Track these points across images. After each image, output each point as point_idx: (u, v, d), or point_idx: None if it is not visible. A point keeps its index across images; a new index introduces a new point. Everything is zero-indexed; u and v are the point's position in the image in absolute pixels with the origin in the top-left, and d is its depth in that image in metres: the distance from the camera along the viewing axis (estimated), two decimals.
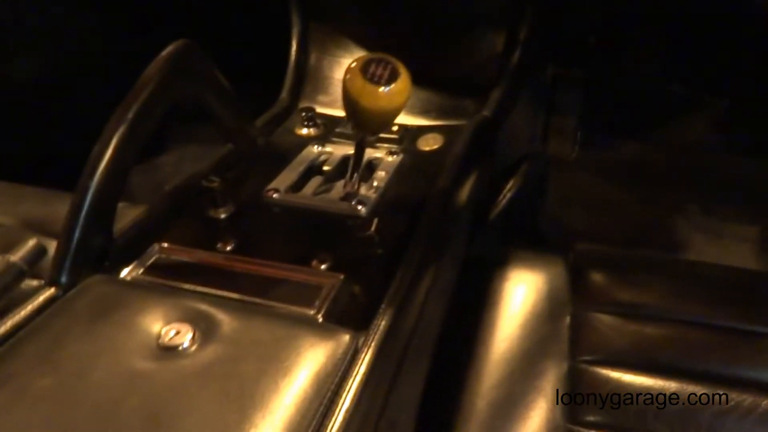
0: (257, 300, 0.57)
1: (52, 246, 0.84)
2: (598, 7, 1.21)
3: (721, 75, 1.39)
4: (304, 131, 0.98)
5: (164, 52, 0.73)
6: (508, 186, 0.93)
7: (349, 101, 0.58)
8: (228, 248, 0.69)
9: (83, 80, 1.46)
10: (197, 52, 0.76)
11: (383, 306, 0.54)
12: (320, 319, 0.55)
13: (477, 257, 0.85)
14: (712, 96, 1.42)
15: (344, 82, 0.57)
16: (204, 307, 0.53)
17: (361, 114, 0.58)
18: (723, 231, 1.38)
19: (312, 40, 1.09)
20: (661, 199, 1.49)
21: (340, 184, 0.81)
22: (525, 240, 1.12)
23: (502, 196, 0.88)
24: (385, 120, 0.61)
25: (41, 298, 0.57)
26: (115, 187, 0.64)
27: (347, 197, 0.77)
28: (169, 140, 1.71)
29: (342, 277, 0.59)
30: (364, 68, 0.56)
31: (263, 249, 0.69)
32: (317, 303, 0.57)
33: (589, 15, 1.24)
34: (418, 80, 1.06)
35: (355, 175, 0.74)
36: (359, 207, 0.75)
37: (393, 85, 0.56)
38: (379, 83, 0.56)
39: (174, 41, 0.75)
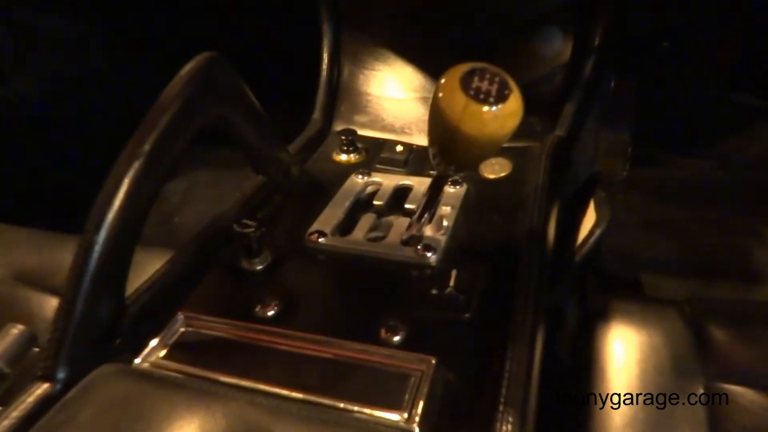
0: (322, 400, 0.42)
1: (47, 305, 0.70)
2: (667, 7, 1.08)
3: None
4: (344, 157, 0.84)
5: (187, 67, 0.59)
6: (593, 220, 0.79)
7: (442, 126, 0.43)
8: (270, 312, 0.54)
9: (83, 102, 1.33)
10: (225, 66, 0.62)
11: (502, 408, 0.39)
12: (416, 430, 0.40)
13: (556, 308, 0.70)
14: None
15: (437, 100, 0.43)
16: (255, 415, 0.38)
17: (461, 143, 0.43)
18: None
19: (345, 52, 0.95)
20: (726, 220, 1.34)
21: (398, 222, 0.67)
22: (604, 282, 0.97)
23: (589, 233, 0.74)
24: (488, 151, 0.47)
25: (31, 398, 0.42)
26: (129, 241, 0.50)
27: (410, 241, 0.63)
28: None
29: (433, 362, 0.44)
30: (465, 81, 0.42)
31: (314, 314, 0.54)
32: (406, 402, 0.42)
33: (655, 16, 1.11)
34: None
35: (425, 216, 0.59)
36: (428, 254, 0.60)
37: (505, 104, 0.42)
38: (486, 101, 0.41)
39: (193, 56, 0.61)
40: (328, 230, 0.65)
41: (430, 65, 0.91)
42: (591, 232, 0.74)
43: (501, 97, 0.42)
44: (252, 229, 0.59)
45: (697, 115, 1.38)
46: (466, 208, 0.69)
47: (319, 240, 0.64)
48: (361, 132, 0.89)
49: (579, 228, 0.83)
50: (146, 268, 0.60)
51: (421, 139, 0.89)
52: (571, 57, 0.86)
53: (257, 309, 0.54)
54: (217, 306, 0.54)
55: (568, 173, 0.84)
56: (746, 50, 1.23)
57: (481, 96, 0.42)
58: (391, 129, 0.90)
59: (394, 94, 0.92)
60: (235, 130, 0.66)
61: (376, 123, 0.91)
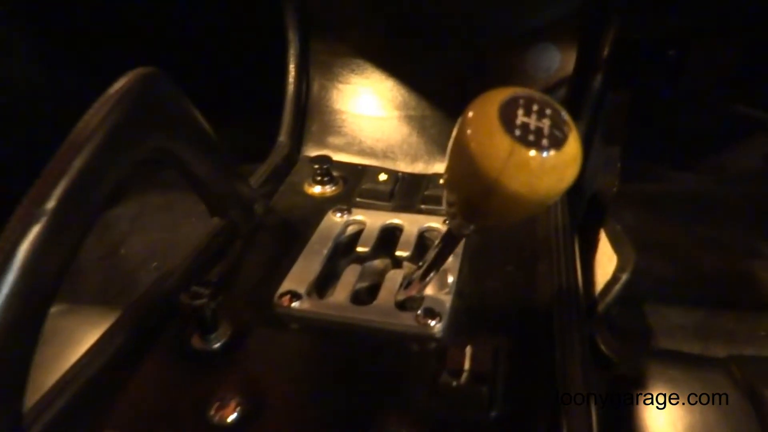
0: None
1: None
2: (669, 16, 0.99)
3: None
4: (317, 189, 0.71)
5: (113, 89, 0.45)
6: (611, 259, 0.68)
7: (472, 176, 0.30)
8: (230, 417, 0.40)
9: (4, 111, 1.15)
10: (165, 85, 0.48)
11: None
12: None
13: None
14: None
15: (465, 140, 0.30)
16: None
17: (499, 201, 0.30)
18: None
19: (315, 63, 0.82)
20: (725, 239, 1.25)
21: (389, 276, 0.54)
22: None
23: (613, 279, 0.63)
24: (535, 212, 0.34)
25: None
26: (27, 340, 0.35)
27: (407, 303, 0.50)
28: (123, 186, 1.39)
29: None
30: (506, 115, 0.29)
31: (287, 417, 0.41)
32: None
33: (658, 24, 1.02)
34: None
35: (430, 275, 0.46)
36: (431, 322, 0.48)
37: (563, 148, 0.29)
38: (538, 145, 0.29)
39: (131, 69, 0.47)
40: (302, 290, 0.52)
41: (415, 78, 0.78)
42: (615, 278, 0.62)
43: (558, 139, 0.29)
44: (204, 300, 0.45)
45: (690, 127, 1.30)
46: (472, 257, 0.56)
47: (293, 304, 0.50)
48: (337, 157, 0.76)
49: (594, 269, 0.72)
50: (61, 354, 0.46)
51: (407, 165, 0.76)
52: (575, 71, 0.75)
53: (212, 412, 0.40)
54: (157, 414, 0.40)
55: (578, 202, 0.73)
56: (747, 60, 1.16)
57: (531, 137, 0.29)
58: (371, 153, 0.77)
59: (374, 112, 0.79)
60: (181, 164, 0.52)
61: (354, 146, 0.78)
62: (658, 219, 1.34)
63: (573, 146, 0.30)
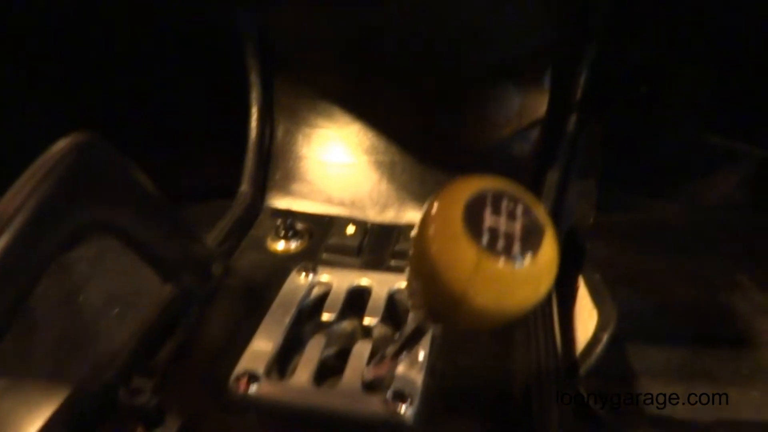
0: None
1: None
2: (640, 48, 0.97)
3: (764, 122, 1.19)
4: (281, 245, 0.66)
5: (46, 156, 0.40)
6: (592, 315, 0.64)
7: (436, 288, 0.26)
8: None
9: None
10: (103, 151, 0.44)
11: None
12: None
13: None
14: (751, 146, 1.21)
15: (427, 243, 0.26)
16: None
17: (467, 316, 0.26)
18: None
19: (279, 106, 0.78)
20: (703, 270, 1.24)
21: (357, 349, 0.50)
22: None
23: (594, 339, 0.60)
24: (507, 322, 0.30)
25: None
26: None
27: (374, 383, 0.46)
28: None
29: None
30: (472, 217, 0.25)
31: None
32: None
33: (630, 60, 1.00)
34: (435, 161, 0.78)
35: (401, 355, 0.42)
36: (401, 407, 0.43)
37: (538, 254, 0.26)
38: (508, 253, 0.25)
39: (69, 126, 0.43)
40: (261, 369, 0.47)
41: (384, 121, 0.75)
42: (597, 338, 0.59)
43: (531, 243, 0.26)
44: (146, 398, 0.40)
45: (664, 156, 1.29)
46: (444, 330, 0.52)
47: (250, 389, 0.46)
48: (302, 206, 0.72)
49: (573, 323, 0.69)
50: None
51: (377, 214, 0.72)
52: (548, 110, 0.73)
53: None
54: None
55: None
56: (719, 91, 1.16)
57: (501, 244, 0.25)
58: (339, 202, 0.73)
59: (342, 158, 0.75)
60: (124, 234, 0.47)
61: (320, 194, 0.74)
62: (635, 250, 1.32)
63: (548, 251, 0.26)
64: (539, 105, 0.73)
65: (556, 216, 0.71)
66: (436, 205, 0.27)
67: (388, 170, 0.73)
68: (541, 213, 0.27)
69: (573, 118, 0.71)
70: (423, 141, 0.73)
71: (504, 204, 0.26)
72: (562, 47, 0.72)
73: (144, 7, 0.87)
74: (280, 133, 0.77)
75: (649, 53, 1.00)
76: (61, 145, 0.42)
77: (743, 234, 1.31)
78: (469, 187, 0.27)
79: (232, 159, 0.81)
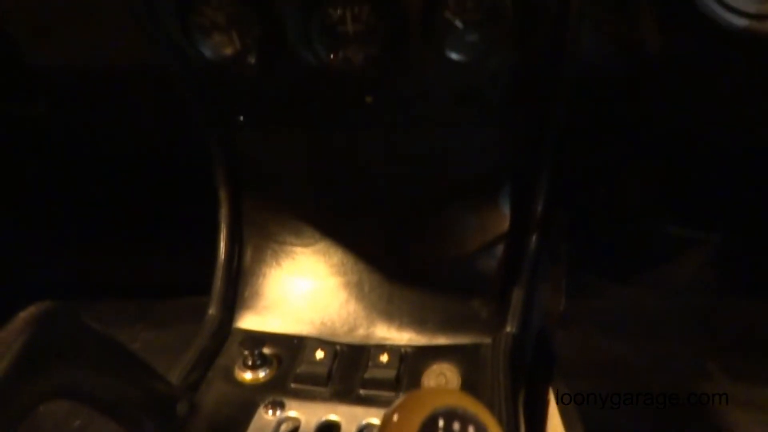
0: None
1: None
2: (593, 150, 1.03)
3: (715, 211, 1.24)
4: (248, 375, 0.66)
5: (6, 330, 0.40)
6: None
7: None
8: None
9: None
10: (64, 320, 0.44)
11: None
12: None
13: None
14: (707, 233, 1.26)
15: None
16: None
17: None
18: (755, 398, 1.16)
19: (248, 221, 0.79)
20: (674, 357, 1.26)
21: None
22: None
23: None
24: None
25: None
26: None
27: None
28: None
29: None
30: None
31: None
32: None
33: (582, 158, 1.05)
34: (403, 278, 0.79)
35: None
36: None
37: None
38: None
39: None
40: None
41: (350, 238, 0.77)
42: None
43: None
44: None
45: (628, 244, 1.33)
46: None
47: None
48: (272, 326, 0.72)
49: None
50: None
51: (346, 333, 0.73)
52: (510, 226, 0.75)
53: None
54: None
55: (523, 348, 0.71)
56: (674, 184, 1.21)
57: None
58: (308, 322, 0.73)
59: (311, 275, 0.76)
60: (87, 397, 0.47)
61: (289, 314, 0.74)
62: (606, 336, 1.34)
63: None
64: (501, 221, 0.75)
65: (525, 327, 0.72)
66: (393, 420, 0.28)
67: (356, 289, 0.74)
68: (496, 428, 0.28)
69: (535, 232, 0.73)
70: (389, 259, 0.74)
71: (456, 425, 0.27)
72: (521, 164, 0.75)
73: (122, 128, 0.89)
74: (249, 250, 0.78)
75: (603, 156, 1.05)
76: (23, 316, 0.42)
77: (710, 319, 1.34)
78: (423, 407, 0.27)
79: (205, 257, 0.81)
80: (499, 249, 0.75)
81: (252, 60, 0.61)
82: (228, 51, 0.62)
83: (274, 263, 0.77)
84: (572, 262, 1.37)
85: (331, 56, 0.60)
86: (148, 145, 0.97)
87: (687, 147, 1.12)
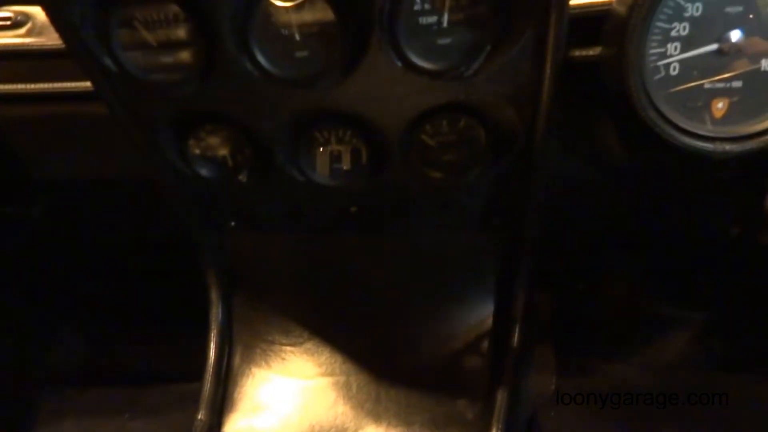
0: None
1: None
2: (575, 240, 1.07)
3: (698, 290, 1.28)
4: None
5: None
6: None
7: None
8: None
9: None
10: None
11: None
12: None
13: None
14: (689, 311, 1.29)
15: None
16: None
17: None
18: None
19: (239, 320, 0.81)
20: None
21: None
22: None
23: None
24: None
25: None
26: None
27: None
28: None
29: None
30: None
31: None
32: None
33: (564, 245, 1.09)
34: (390, 378, 0.80)
35: None
36: None
37: None
38: None
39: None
40: None
41: (338, 338, 0.79)
42: None
43: None
44: None
45: (614, 323, 1.35)
46: None
47: None
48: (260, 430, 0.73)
49: None
50: None
51: None
52: (493, 324, 0.78)
53: None
54: None
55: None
56: (655, 267, 1.25)
57: None
58: (298, 424, 0.74)
59: (299, 377, 0.77)
60: None
61: (278, 416, 0.75)
62: (597, 417, 1.34)
63: None
64: (485, 318, 0.78)
65: (510, 426, 0.73)
66: None
67: (344, 389, 0.75)
68: None
69: (516, 329, 0.76)
70: (376, 358, 0.76)
71: None
72: (502, 263, 0.78)
73: (117, 228, 0.93)
74: (239, 349, 0.80)
75: (580, 248, 1.09)
76: None
77: (698, 395, 1.34)
78: None
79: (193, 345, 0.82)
80: (484, 346, 0.77)
81: (243, 178, 0.65)
82: (221, 170, 0.66)
83: (263, 363, 0.78)
84: (561, 342, 1.39)
85: (317, 173, 0.64)
86: (141, 241, 1.00)
87: (664, 238, 1.16)
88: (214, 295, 0.81)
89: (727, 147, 0.59)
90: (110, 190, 0.82)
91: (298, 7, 0.49)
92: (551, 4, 0.47)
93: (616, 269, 1.27)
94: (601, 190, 0.75)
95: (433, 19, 0.50)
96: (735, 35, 0.58)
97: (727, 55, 0.59)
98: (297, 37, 0.51)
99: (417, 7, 0.49)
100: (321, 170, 0.64)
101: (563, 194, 0.74)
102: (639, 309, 1.31)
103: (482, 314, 0.78)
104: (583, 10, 0.59)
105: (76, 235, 0.99)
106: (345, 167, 0.64)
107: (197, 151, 0.64)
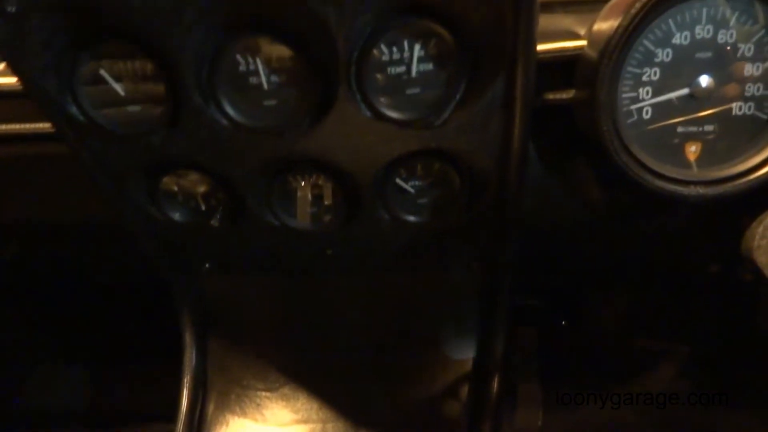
0: None
1: None
2: (559, 276, 1.06)
3: (681, 324, 1.27)
4: None
5: None
6: None
7: None
8: None
9: None
10: None
11: None
12: None
13: None
14: (675, 344, 1.28)
15: None
16: None
17: None
18: None
19: (213, 366, 0.79)
20: None
21: None
22: None
23: None
24: None
25: None
26: None
27: None
28: None
29: None
30: None
31: None
32: None
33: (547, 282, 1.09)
34: (366, 425, 0.78)
35: None
36: None
37: None
38: None
39: None
40: None
41: (316, 380, 0.77)
42: None
43: None
44: None
45: (601, 359, 1.34)
46: None
47: None
48: None
49: None
50: None
51: None
52: (473, 368, 0.76)
53: None
54: None
55: None
56: (639, 300, 1.25)
57: None
58: None
59: (275, 422, 0.75)
60: None
61: None
62: None
63: None
64: (465, 361, 0.76)
65: None
66: None
67: None
68: None
69: (497, 378, 0.74)
70: (354, 404, 0.74)
71: None
72: (479, 305, 0.77)
73: (91, 270, 0.91)
74: (213, 395, 0.77)
75: (564, 284, 1.09)
76: None
77: (685, 431, 1.33)
78: None
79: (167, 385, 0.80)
80: (464, 391, 0.75)
81: (216, 223, 0.64)
82: (194, 214, 0.64)
83: (238, 409, 0.76)
84: (548, 376, 1.38)
85: (292, 218, 0.63)
86: (117, 281, 0.98)
87: (646, 274, 1.16)
88: (188, 339, 0.79)
89: (702, 191, 0.59)
90: (81, 231, 0.80)
91: (267, 59, 0.49)
92: (518, 55, 0.47)
93: (600, 304, 1.26)
94: (581, 228, 0.75)
95: (401, 69, 0.49)
96: (705, 80, 0.58)
97: (698, 99, 0.59)
98: (265, 86, 0.51)
99: (385, 58, 0.49)
100: (297, 215, 0.63)
101: (544, 232, 0.73)
102: (624, 344, 1.30)
103: (462, 356, 0.76)
104: (555, 54, 0.59)
105: (49, 277, 0.97)
106: (320, 212, 0.63)
107: (168, 196, 0.63)
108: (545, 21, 0.44)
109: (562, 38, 0.67)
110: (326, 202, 0.61)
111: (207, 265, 0.75)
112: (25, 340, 1.12)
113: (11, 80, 0.58)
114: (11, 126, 0.63)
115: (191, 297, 0.78)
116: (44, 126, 0.61)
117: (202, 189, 0.63)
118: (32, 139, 0.64)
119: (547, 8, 0.58)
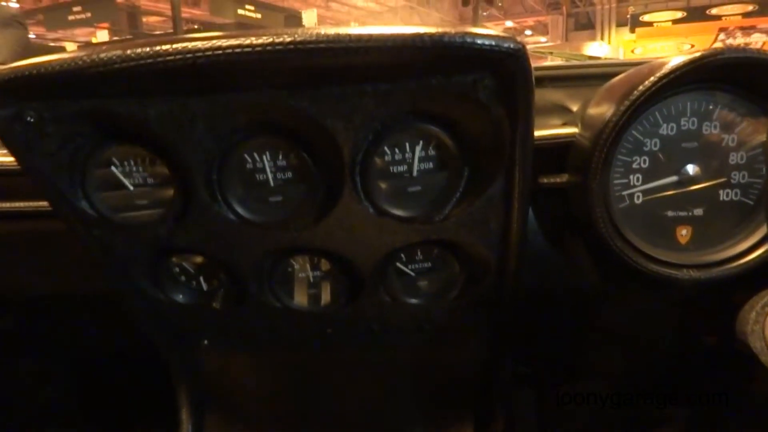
0: None
1: None
2: (556, 344, 1.06)
3: (678, 388, 1.27)
4: None
5: None
6: None
7: None
8: None
9: None
10: None
11: None
12: None
13: None
14: (674, 408, 1.28)
15: None
16: None
17: None
18: None
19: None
20: None
21: None
22: None
23: None
24: None
25: None
26: None
27: None
28: None
29: None
30: None
31: None
32: None
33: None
34: None
35: None
36: None
37: None
38: None
39: None
40: None
41: None
42: None
43: None
44: None
45: (599, 423, 1.33)
46: None
47: None
48: None
49: None
50: None
51: None
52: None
53: None
54: None
55: None
56: (631, 358, 1.25)
57: None
58: None
59: None
60: None
61: None
62: None
63: None
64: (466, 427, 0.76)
65: None
66: None
67: None
68: None
69: None
70: None
71: None
72: (479, 377, 0.78)
73: (89, 341, 0.91)
74: None
75: (562, 350, 1.09)
76: None
77: None
78: None
79: None
80: None
81: (218, 305, 0.64)
82: (195, 296, 0.65)
83: None
84: (544, 422, 1.36)
85: (294, 300, 0.64)
86: (115, 353, 0.97)
87: (641, 341, 1.17)
88: (185, 416, 0.78)
89: (695, 274, 0.60)
90: (78, 302, 0.80)
91: (273, 157, 0.51)
92: (516, 157, 0.49)
93: (598, 369, 1.26)
94: (577, 302, 0.76)
95: (403, 168, 0.51)
96: (692, 168, 0.60)
97: (686, 185, 0.61)
98: (272, 183, 0.52)
99: (388, 158, 0.51)
100: (298, 298, 0.63)
101: (543, 305, 0.74)
102: (622, 408, 1.29)
103: (462, 427, 0.76)
104: (549, 141, 0.62)
105: (45, 348, 0.96)
106: (321, 294, 0.64)
107: (171, 278, 0.63)
108: (537, 95, 0.46)
109: (553, 113, 0.70)
110: (324, 299, 0.62)
111: (205, 342, 0.74)
112: (21, 409, 1.10)
113: (9, 159, 0.59)
114: (11, 204, 0.64)
115: (188, 373, 0.78)
116: (41, 204, 0.62)
117: (204, 272, 0.64)
118: (22, 216, 0.64)
119: (539, 83, 0.61)
